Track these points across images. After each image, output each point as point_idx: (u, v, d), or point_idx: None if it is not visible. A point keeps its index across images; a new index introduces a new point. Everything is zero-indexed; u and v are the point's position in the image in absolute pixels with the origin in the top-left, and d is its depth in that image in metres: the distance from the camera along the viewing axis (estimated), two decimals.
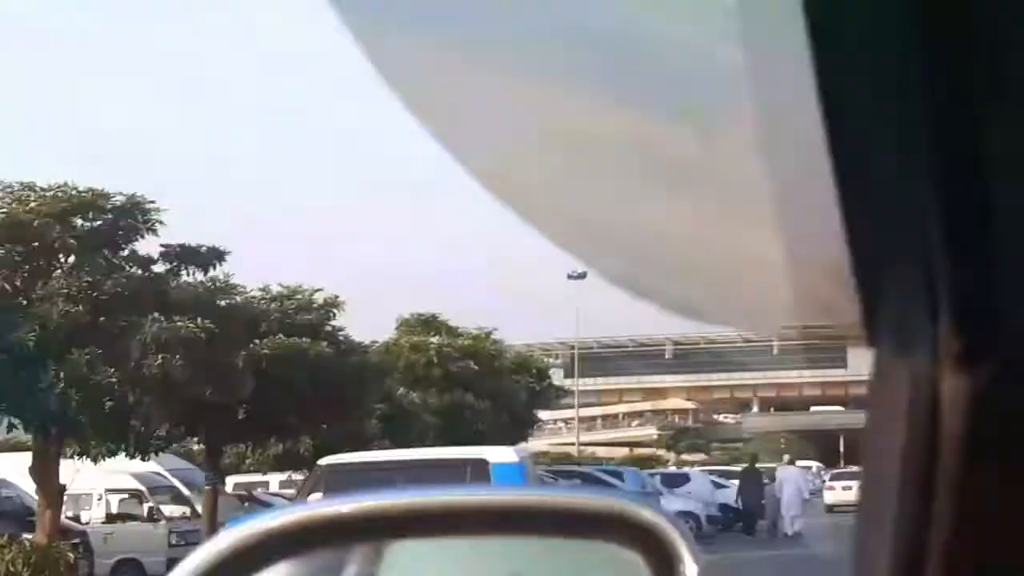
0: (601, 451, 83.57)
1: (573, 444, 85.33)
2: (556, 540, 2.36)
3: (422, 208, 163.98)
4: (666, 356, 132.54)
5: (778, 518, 32.81)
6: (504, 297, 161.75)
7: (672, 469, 44.23)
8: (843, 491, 50.56)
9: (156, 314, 21.36)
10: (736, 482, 35.87)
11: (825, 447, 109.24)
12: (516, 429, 39.39)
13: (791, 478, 33.08)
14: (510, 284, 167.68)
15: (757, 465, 37.25)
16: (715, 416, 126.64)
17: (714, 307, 0.97)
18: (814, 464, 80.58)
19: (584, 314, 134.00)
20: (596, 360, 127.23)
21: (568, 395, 44.24)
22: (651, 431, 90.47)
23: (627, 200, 0.88)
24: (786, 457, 38.45)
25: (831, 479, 53.98)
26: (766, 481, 34.15)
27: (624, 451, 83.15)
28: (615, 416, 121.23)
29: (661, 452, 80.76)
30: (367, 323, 41.07)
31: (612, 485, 28.43)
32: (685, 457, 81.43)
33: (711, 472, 43.73)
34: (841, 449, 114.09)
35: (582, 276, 78.37)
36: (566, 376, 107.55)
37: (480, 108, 0.82)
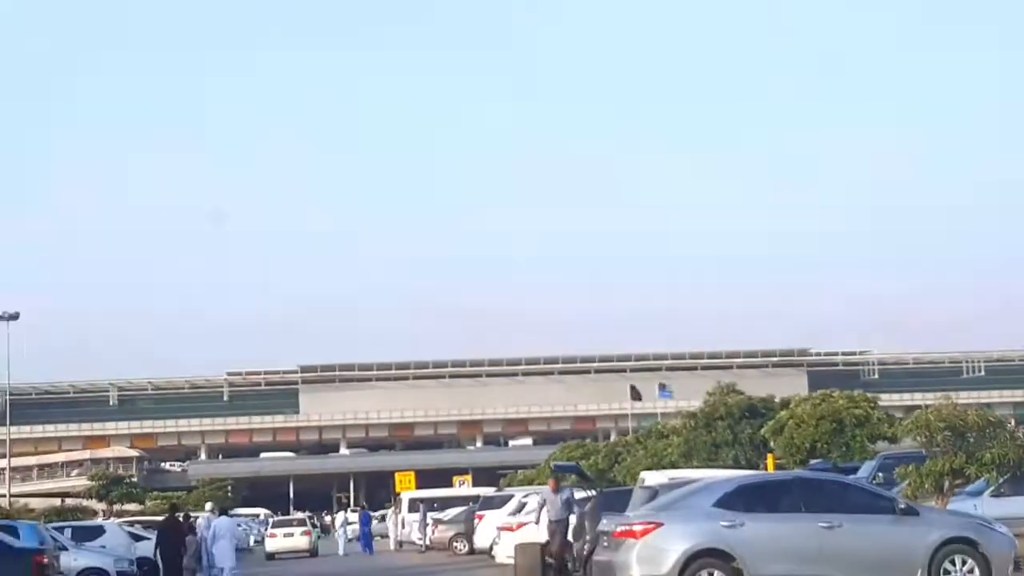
0: (37, 502, 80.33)
1: (4, 496, 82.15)
2: None
3: None
4: (110, 403, 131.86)
5: (206, 572, 31.96)
6: None
7: (88, 522, 43.04)
8: (284, 538, 50.92)
9: None
10: None
11: (275, 493, 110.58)
12: None
13: (223, 528, 31.81)
14: None
15: (178, 514, 34.58)
16: (162, 464, 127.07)
17: None
18: (262, 511, 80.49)
19: (17, 357, 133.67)
20: (33, 407, 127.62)
21: None
22: (87, 481, 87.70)
23: None
24: (208, 505, 37.31)
25: (273, 526, 54.22)
26: (201, 534, 32.53)
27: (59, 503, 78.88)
28: (53, 465, 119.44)
29: (92, 503, 77.74)
30: None
31: None
32: (120, 507, 79.26)
33: (144, 524, 41.83)
34: (291, 495, 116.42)
35: (14, 317, 77.58)
36: (1, 423, 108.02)
37: None
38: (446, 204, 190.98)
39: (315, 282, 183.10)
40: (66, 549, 29.42)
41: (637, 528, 18.42)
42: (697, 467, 33.60)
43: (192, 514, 38.50)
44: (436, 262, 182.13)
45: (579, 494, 29.47)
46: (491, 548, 34.79)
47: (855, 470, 31.50)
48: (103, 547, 32.22)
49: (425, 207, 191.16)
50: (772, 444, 35.23)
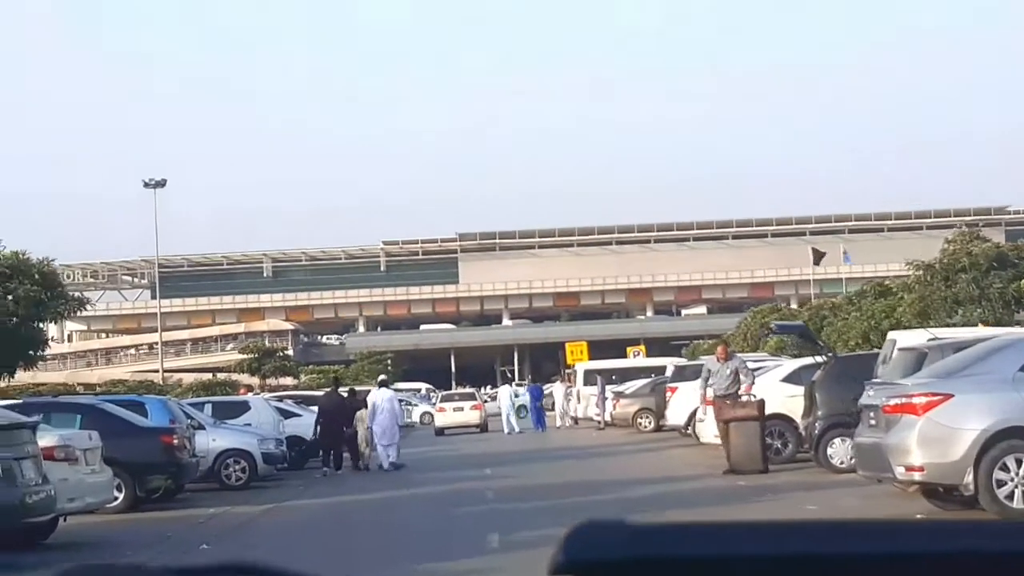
0: (189, 378, 77.86)
1: (157, 371, 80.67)
2: None
3: None
4: (264, 274, 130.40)
5: (369, 450, 30.41)
6: (63, 209, 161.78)
7: (231, 397, 39.81)
8: (454, 413, 49.93)
9: None
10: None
11: (436, 367, 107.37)
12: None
13: (382, 402, 30.18)
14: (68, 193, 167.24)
15: (342, 389, 32.65)
16: (318, 337, 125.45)
17: None
18: (423, 386, 77.10)
19: (167, 227, 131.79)
20: (185, 279, 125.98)
21: (83, 305, 37.66)
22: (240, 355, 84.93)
23: None
24: (381, 377, 34.96)
25: (441, 400, 53.33)
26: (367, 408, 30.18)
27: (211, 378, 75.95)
28: (207, 339, 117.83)
29: (243, 377, 74.32)
30: None
31: (117, 418, 21.97)
32: (273, 382, 76.21)
33: (296, 399, 38.46)
34: (452, 369, 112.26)
35: (161, 184, 74.07)
36: (153, 296, 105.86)
37: None
38: (614, 65, 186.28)
39: (472, 146, 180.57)
40: (203, 428, 26.55)
41: (918, 401, 14.51)
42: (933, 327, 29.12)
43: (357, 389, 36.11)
44: (598, 124, 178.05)
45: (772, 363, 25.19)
46: (688, 425, 31.22)
47: None
48: (248, 425, 29.27)
49: (587, 70, 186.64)
50: None
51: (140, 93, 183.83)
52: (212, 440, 26.42)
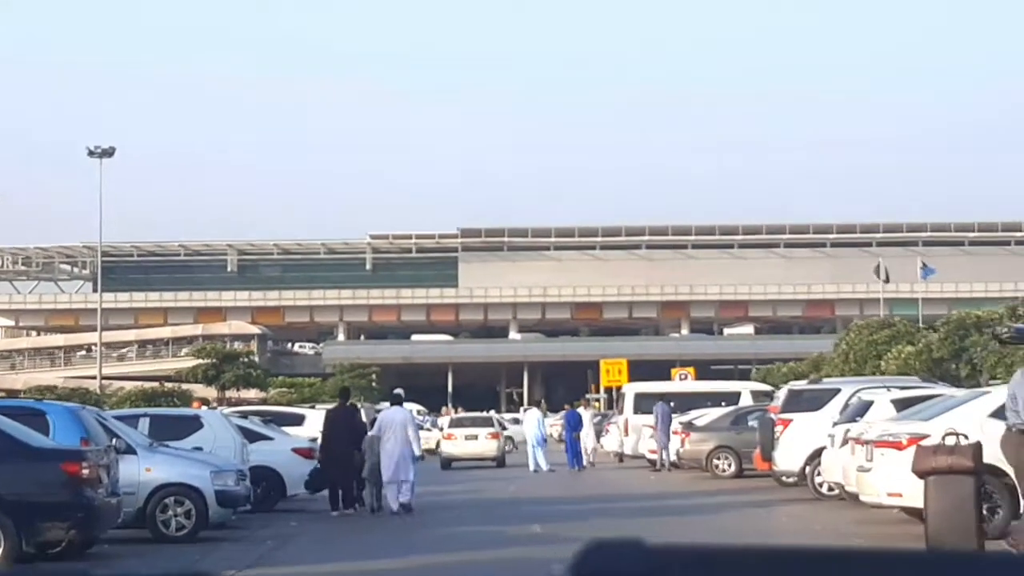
0: (134, 387, 73.55)
1: (95, 377, 78.23)
2: None
3: None
4: (228, 268, 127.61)
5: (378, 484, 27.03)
6: None
7: (177, 410, 37.38)
8: (466, 442, 47.90)
9: None
10: (300, 431, 31.39)
11: (429, 386, 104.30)
12: None
13: (397, 425, 26.93)
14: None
15: (350, 403, 30.34)
16: (289, 345, 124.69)
17: None
18: (414, 407, 74.06)
19: (115, 207, 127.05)
20: (133, 270, 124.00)
21: None
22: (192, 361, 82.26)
23: None
24: (397, 391, 33.31)
25: (451, 426, 51.31)
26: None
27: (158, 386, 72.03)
28: (156, 342, 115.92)
29: (196, 387, 71.48)
30: None
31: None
32: (234, 395, 73.51)
33: (263, 416, 34.09)
34: (449, 388, 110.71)
35: (109, 153, 69.45)
36: (94, 289, 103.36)
37: None
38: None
39: (478, 129, 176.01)
40: (133, 452, 21.44)
41: None
42: None
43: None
44: (631, 109, 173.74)
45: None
46: (807, 470, 27.79)
47: None
48: (198, 449, 24.44)
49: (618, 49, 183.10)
50: None
51: (93, 42, 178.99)
52: (145, 470, 21.43)
